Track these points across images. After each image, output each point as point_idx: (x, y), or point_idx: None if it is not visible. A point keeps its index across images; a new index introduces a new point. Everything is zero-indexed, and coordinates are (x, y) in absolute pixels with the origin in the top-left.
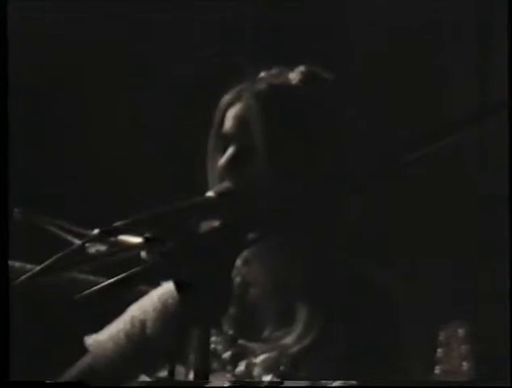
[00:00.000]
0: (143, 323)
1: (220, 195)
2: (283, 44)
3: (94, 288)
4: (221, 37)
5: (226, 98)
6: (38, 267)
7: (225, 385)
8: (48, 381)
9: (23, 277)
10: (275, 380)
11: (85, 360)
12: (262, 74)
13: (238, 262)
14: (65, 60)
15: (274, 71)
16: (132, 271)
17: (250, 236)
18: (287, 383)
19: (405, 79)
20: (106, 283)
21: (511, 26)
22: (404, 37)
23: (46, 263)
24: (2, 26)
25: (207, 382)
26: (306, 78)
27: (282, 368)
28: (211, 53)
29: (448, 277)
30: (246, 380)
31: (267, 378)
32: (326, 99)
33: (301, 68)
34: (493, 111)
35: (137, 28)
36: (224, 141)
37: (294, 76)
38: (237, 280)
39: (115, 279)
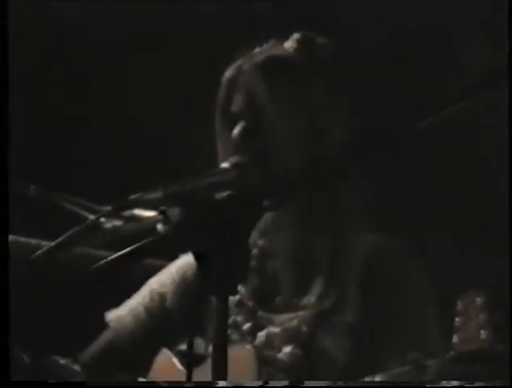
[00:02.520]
0: (162, 296)
1: (234, 165)
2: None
3: (106, 259)
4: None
5: (228, 74)
6: (53, 243)
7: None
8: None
9: (38, 252)
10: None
11: (105, 336)
12: (258, 48)
13: (255, 234)
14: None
15: (269, 43)
16: (142, 243)
17: (265, 204)
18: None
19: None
20: (117, 255)
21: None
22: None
23: (61, 238)
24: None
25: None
26: (301, 44)
27: (301, 337)
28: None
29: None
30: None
31: (287, 349)
32: (328, 64)
33: (296, 35)
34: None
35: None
36: (233, 116)
37: (290, 44)
38: (255, 252)
39: (125, 250)
